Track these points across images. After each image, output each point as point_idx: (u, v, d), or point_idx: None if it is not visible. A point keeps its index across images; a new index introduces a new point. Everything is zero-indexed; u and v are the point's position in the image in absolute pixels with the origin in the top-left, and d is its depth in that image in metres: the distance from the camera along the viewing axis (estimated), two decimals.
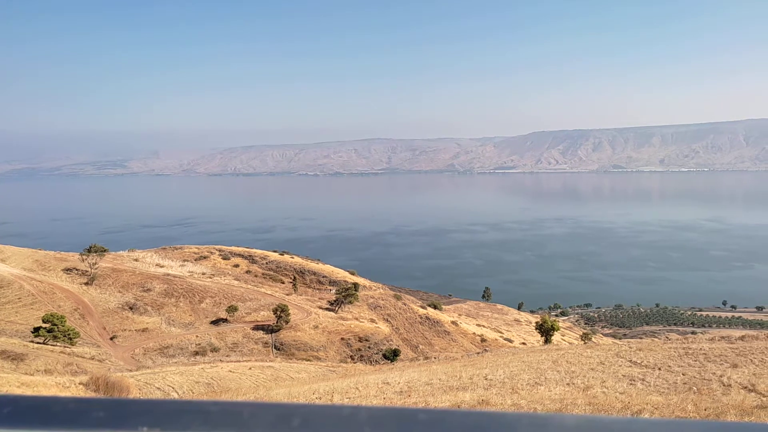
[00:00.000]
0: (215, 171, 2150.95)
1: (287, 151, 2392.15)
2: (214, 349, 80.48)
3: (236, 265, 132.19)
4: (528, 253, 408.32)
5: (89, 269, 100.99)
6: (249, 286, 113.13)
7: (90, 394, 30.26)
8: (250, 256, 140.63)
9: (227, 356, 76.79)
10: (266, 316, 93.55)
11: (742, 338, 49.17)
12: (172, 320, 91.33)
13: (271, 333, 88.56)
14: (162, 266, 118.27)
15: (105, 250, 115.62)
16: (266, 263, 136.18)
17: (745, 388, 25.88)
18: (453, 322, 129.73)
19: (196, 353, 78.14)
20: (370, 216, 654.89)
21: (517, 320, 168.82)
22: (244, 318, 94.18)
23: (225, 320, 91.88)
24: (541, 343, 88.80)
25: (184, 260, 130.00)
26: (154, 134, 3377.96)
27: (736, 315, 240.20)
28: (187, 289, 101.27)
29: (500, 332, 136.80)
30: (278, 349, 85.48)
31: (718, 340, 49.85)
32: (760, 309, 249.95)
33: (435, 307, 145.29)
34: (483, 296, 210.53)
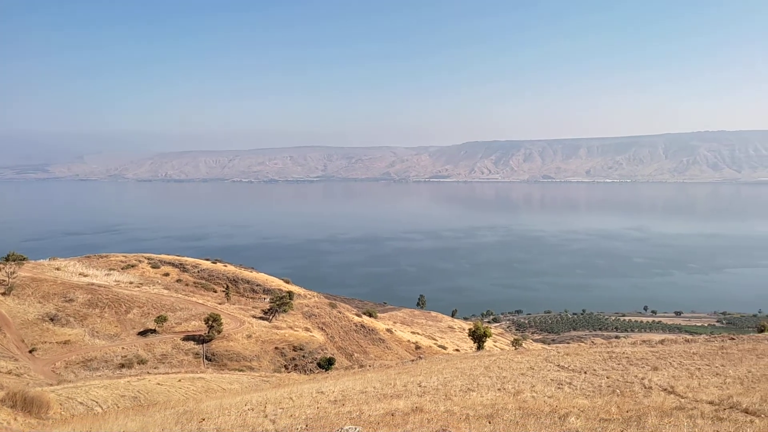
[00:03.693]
0: (145, 176, 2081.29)
1: (221, 157, 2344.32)
2: (142, 361, 77.55)
3: (166, 274, 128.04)
4: (462, 261, 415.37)
5: (6, 279, 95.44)
6: (179, 296, 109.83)
7: (7, 411, 28.66)
8: (181, 264, 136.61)
9: (155, 368, 74.13)
10: (197, 326, 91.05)
11: (661, 342, 51.60)
12: (97, 332, 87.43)
13: (203, 343, 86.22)
14: (86, 275, 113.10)
15: (24, 259, 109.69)
16: (198, 272, 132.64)
17: (665, 390, 27.12)
18: (388, 330, 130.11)
19: (122, 366, 75.07)
20: (305, 223, 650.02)
21: (450, 327, 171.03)
22: (174, 328, 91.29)
23: (153, 331, 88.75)
24: (474, 349, 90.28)
25: (110, 269, 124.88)
26: (79, 137, 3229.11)
27: (657, 320, 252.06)
28: (113, 299, 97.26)
29: (434, 339, 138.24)
30: (210, 360, 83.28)
31: (640, 344, 52.11)
32: (678, 314, 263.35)
33: (370, 315, 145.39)
34: (418, 304, 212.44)
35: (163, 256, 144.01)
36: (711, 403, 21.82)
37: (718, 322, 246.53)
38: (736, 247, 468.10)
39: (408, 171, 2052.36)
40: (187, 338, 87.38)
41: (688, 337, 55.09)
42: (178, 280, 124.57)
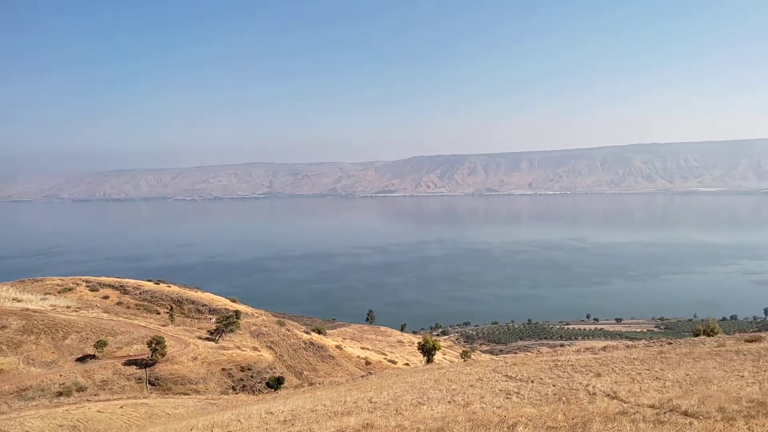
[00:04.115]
0: (82, 196, 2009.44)
1: (163, 175, 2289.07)
2: (81, 389, 74.29)
3: (106, 297, 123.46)
4: (410, 275, 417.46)
5: None
6: (120, 319, 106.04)
7: None
8: (121, 286, 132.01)
9: (96, 395, 71.13)
10: (140, 350, 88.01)
11: (604, 348, 53.10)
12: (32, 359, 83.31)
13: (146, 367, 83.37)
14: (20, 300, 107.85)
15: None
16: (140, 293, 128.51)
17: (609, 395, 27.88)
18: (337, 347, 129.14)
19: (60, 394, 71.71)
20: (251, 241, 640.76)
21: (400, 341, 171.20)
22: (115, 353, 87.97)
23: (93, 356, 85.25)
24: (423, 363, 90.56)
25: (46, 293, 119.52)
26: (10, 157, 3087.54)
27: (599, 327, 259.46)
28: (49, 325, 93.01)
29: (384, 354, 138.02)
30: (153, 385, 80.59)
31: (584, 352, 53.47)
32: (618, 320, 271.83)
33: (319, 332, 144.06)
34: (367, 319, 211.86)
35: (103, 279, 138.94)
36: (652, 406, 22.55)
37: (656, 327, 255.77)
38: (671, 254, 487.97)
39: (354, 186, 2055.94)
40: (129, 363, 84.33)
41: (629, 343, 56.83)
42: (119, 303, 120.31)
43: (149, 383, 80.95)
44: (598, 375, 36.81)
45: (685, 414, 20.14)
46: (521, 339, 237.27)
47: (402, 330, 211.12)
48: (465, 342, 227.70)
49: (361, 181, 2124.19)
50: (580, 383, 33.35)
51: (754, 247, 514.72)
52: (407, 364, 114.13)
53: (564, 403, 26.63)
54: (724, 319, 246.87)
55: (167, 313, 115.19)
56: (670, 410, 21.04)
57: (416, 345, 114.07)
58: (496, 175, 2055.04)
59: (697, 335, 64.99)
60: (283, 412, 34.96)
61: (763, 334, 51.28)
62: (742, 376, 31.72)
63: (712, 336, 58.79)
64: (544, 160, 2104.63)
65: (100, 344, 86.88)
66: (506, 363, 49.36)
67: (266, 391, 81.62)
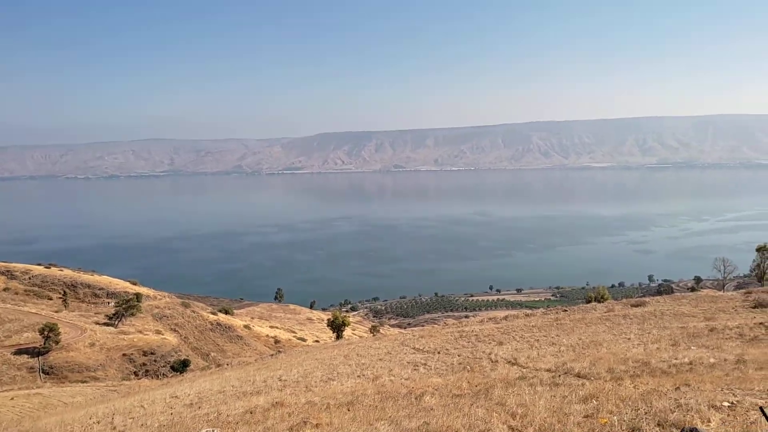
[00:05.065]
0: None
1: (51, 152, 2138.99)
2: None
3: None
4: (319, 252, 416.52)
5: None
6: (8, 306, 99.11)
7: None
8: (8, 271, 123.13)
9: None
10: (31, 338, 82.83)
11: (505, 318, 55.58)
12: None
13: (38, 356, 78.67)
14: None
15: None
16: (29, 278, 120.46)
17: (509, 362, 29.27)
18: (246, 326, 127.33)
19: None
20: (152, 220, 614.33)
21: (309, 319, 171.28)
22: (4, 342, 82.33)
23: None
24: (333, 339, 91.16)
25: None
26: None
27: (501, 297, 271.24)
28: None
29: (293, 332, 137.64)
30: (48, 374, 76.27)
31: (487, 322, 55.75)
32: (519, 291, 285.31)
33: (226, 313, 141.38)
34: (275, 298, 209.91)
35: None
36: (549, 370, 23.91)
37: (553, 296, 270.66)
38: (566, 226, 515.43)
39: (260, 164, 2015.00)
40: (19, 352, 79.25)
41: (528, 312, 59.77)
42: (6, 289, 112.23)
43: (43, 372, 76.57)
44: (500, 343, 38.52)
45: (578, 376, 21.50)
46: (428, 312, 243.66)
47: (311, 307, 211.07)
48: (374, 317, 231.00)
49: (268, 158, 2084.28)
50: (484, 352, 34.78)
51: (638, 218, 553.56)
52: (317, 341, 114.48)
53: (468, 371, 27.69)
54: (612, 286, 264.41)
55: (60, 298, 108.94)
56: (565, 373, 22.40)
57: (326, 322, 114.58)
58: (402, 152, 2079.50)
59: (589, 302, 69.48)
60: (189, 395, 34.14)
61: (646, 299, 55.52)
62: (629, 339, 34.25)
63: (603, 302, 62.99)
64: (449, 137, 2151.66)
65: None
66: (414, 336, 50.62)
67: (171, 375, 79.36)
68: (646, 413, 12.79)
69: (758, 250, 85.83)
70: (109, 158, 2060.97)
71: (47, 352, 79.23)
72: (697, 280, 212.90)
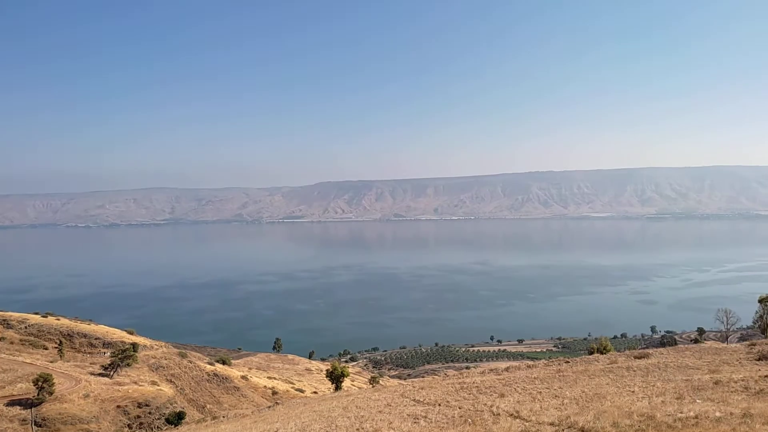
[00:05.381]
0: None
1: (52, 200, 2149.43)
2: None
3: None
4: (318, 301, 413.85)
5: None
6: (3, 356, 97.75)
7: None
8: (4, 320, 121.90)
9: None
10: (25, 389, 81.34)
11: (507, 369, 54.78)
12: None
13: (31, 407, 77.09)
14: None
15: None
16: (25, 327, 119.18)
17: (512, 415, 28.72)
18: (243, 377, 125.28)
19: None
20: (151, 269, 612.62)
21: (308, 369, 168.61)
22: None
23: None
24: (332, 390, 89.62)
25: None
26: None
27: (502, 348, 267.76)
28: None
29: (291, 383, 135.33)
30: (40, 426, 74.58)
31: (488, 373, 54.92)
32: (520, 341, 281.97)
33: (224, 363, 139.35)
34: (274, 347, 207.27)
35: None
36: (552, 424, 23.46)
37: (555, 346, 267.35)
38: (566, 276, 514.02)
39: (261, 212, 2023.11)
40: (11, 403, 77.67)
41: (530, 362, 58.89)
42: (1, 338, 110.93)
43: (35, 424, 74.89)
44: (502, 395, 37.87)
45: (582, 430, 21.10)
46: (429, 363, 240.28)
47: (310, 358, 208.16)
48: (374, 367, 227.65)
49: (268, 206, 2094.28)
50: (485, 404, 34.16)
51: (639, 268, 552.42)
52: (315, 393, 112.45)
53: (470, 424, 27.16)
54: (615, 337, 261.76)
55: (56, 348, 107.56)
56: (569, 427, 21.98)
57: (324, 372, 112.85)
58: (402, 201, 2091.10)
59: (591, 353, 68.55)
60: None
61: (650, 351, 54.87)
62: (633, 392, 33.68)
63: (605, 354, 62.14)
64: (449, 186, 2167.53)
65: None
66: (414, 387, 49.76)
67: (165, 427, 77.78)
68: None
69: (761, 301, 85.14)
70: (110, 207, 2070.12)
71: (41, 403, 77.71)
72: (701, 331, 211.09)
